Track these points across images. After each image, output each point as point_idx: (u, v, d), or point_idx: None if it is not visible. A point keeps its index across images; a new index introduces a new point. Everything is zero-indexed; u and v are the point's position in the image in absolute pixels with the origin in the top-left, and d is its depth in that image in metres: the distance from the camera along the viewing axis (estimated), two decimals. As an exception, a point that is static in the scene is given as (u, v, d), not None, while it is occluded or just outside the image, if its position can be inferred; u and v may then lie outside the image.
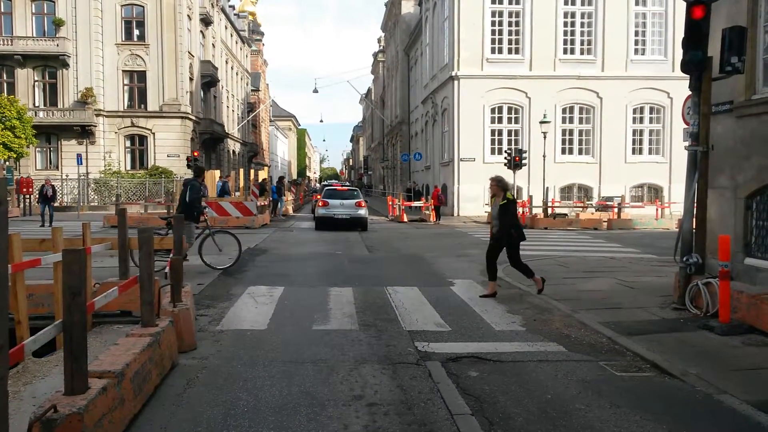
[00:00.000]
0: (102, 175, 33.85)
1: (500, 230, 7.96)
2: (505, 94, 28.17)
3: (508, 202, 7.94)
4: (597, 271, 10.61)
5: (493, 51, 28.12)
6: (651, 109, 28.96)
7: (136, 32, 35.57)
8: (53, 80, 34.54)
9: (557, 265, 11.43)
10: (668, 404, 4.24)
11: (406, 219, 24.93)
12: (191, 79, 38.14)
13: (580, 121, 28.80)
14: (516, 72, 27.94)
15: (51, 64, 34.10)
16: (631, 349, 5.54)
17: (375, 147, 70.39)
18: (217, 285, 8.87)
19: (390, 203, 27.59)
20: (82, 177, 30.97)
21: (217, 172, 30.64)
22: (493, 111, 28.48)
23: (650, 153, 29.13)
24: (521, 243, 8.07)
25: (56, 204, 30.93)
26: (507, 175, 24.50)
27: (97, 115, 34.28)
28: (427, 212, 25.34)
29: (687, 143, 7.40)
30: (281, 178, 30.62)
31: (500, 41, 28.15)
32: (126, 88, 35.70)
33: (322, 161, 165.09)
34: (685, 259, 7.21)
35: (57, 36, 33.64)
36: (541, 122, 24.07)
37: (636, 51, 28.38)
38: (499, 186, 8.06)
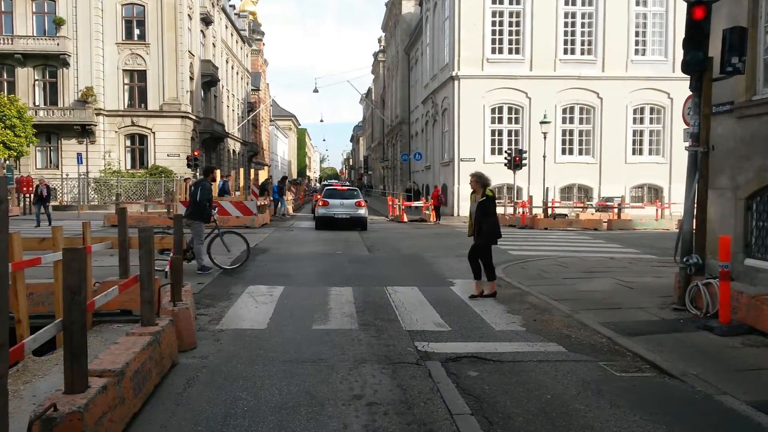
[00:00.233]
0: (102, 175, 33.84)
1: (478, 227, 7.86)
2: (506, 94, 28.17)
3: (488, 199, 7.85)
4: (597, 271, 10.61)
5: (493, 51, 28.13)
6: (651, 110, 28.96)
7: (136, 31, 35.56)
8: (53, 79, 34.53)
9: (557, 265, 11.42)
10: (668, 405, 4.24)
11: (406, 219, 24.93)
12: (191, 79, 38.14)
13: (581, 121, 28.80)
14: (516, 72, 27.94)
15: (51, 63, 34.10)
16: (631, 350, 5.54)
17: (375, 147, 70.39)
18: (217, 284, 8.87)
19: (390, 203, 27.59)
20: (82, 176, 30.98)
21: (218, 172, 30.67)
22: (493, 111, 28.48)
23: (650, 153, 29.12)
24: (499, 241, 8.01)
25: (56, 203, 31.02)
26: (507, 175, 24.70)
27: (98, 115, 34.27)
28: (427, 212, 25.34)
29: (687, 144, 7.40)
30: (284, 178, 30.62)
31: (501, 41, 28.15)
32: (126, 87, 35.70)
33: (322, 161, 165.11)
34: (685, 259, 7.21)
35: (57, 35, 33.62)
36: (542, 122, 24.07)
37: (636, 51, 28.38)
38: (479, 182, 7.97)
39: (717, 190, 7.49)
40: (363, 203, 20.53)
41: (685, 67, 7.04)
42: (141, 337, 4.35)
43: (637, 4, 28.24)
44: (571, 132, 28.83)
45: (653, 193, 28.94)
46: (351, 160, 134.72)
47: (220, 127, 46.01)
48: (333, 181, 57.57)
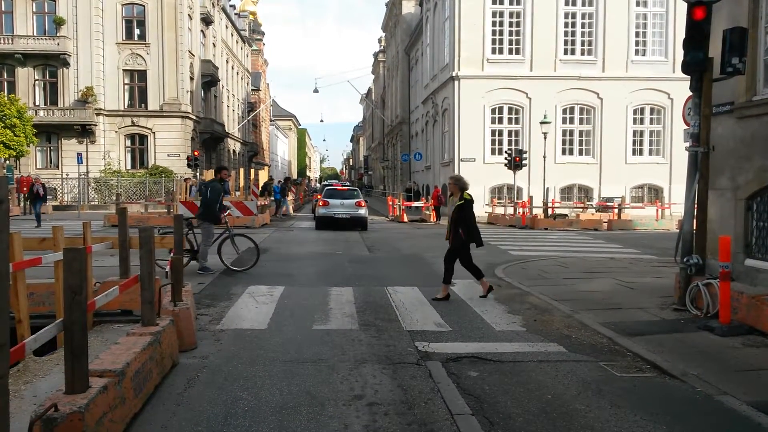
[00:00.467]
0: (102, 175, 33.85)
1: (455, 231, 7.81)
2: (506, 94, 28.17)
3: (465, 203, 7.80)
4: (597, 271, 10.61)
5: (493, 51, 28.13)
6: (651, 110, 28.96)
7: (136, 31, 35.57)
8: (54, 79, 34.53)
9: (557, 265, 11.43)
10: (668, 405, 4.24)
11: (406, 219, 24.94)
12: (192, 79, 38.14)
13: (581, 121, 28.80)
14: (516, 72, 27.94)
15: (51, 63, 34.10)
16: (632, 350, 5.54)
17: (375, 147, 70.39)
18: (218, 284, 8.87)
19: (390, 203, 27.60)
20: (83, 176, 30.97)
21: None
22: (493, 111, 28.48)
23: (651, 154, 29.12)
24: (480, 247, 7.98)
25: (56, 203, 31.04)
26: (507, 175, 24.71)
27: (98, 115, 34.28)
28: (428, 212, 25.34)
29: (687, 144, 7.40)
30: (286, 179, 30.61)
31: (501, 41, 28.15)
32: (126, 87, 35.70)
33: (322, 161, 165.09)
34: (685, 259, 7.21)
35: (57, 35, 33.62)
36: (542, 123, 24.07)
37: (637, 52, 28.38)
38: (456, 185, 7.93)
39: (717, 190, 7.49)
40: (363, 203, 20.53)
41: (686, 68, 7.04)
42: (142, 337, 4.35)
43: (637, 4, 28.23)
44: (571, 132, 28.83)
45: (653, 194, 28.94)
46: (351, 160, 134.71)
47: (220, 127, 46.02)
48: (333, 181, 57.55)
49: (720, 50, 6.62)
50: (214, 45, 45.64)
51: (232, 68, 53.50)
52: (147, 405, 4.03)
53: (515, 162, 23.26)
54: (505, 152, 25.07)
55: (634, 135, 29.00)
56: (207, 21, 42.68)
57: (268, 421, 3.81)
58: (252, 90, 65.17)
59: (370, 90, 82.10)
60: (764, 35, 6.97)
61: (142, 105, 35.74)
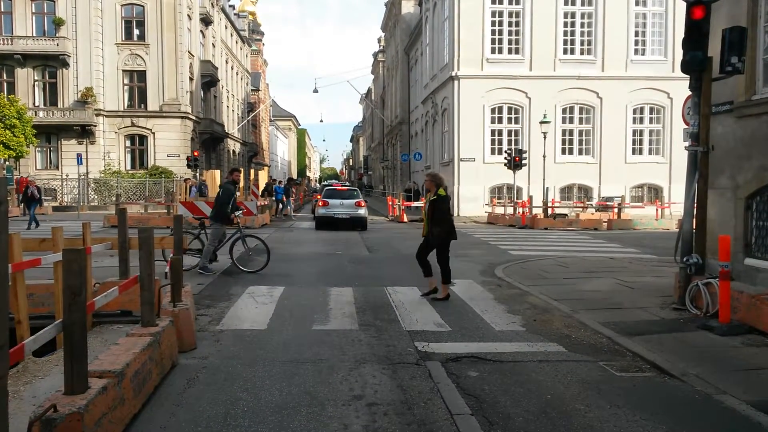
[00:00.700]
0: (102, 175, 33.85)
1: (429, 227, 7.76)
2: (505, 94, 28.17)
3: (438, 198, 7.79)
4: (597, 271, 10.61)
5: (493, 51, 28.13)
6: (651, 110, 28.96)
7: (136, 32, 35.57)
8: (53, 80, 34.53)
9: (557, 265, 11.42)
10: (668, 404, 4.24)
11: (406, 219, 24.93)
12: (191, 79, 38.14)
13: (580, 121, 28.80)
14: (516, 72, 27.95)
15: (51, 64, 34.10)
16: (631, 350, 5.54)
17: (375, 147, 70.39)
18: (217, 285, 8.87)
19: (390, 203, 27.60)
20: (82, 177, 30.98)
21: (218, 172, 30.70)
22: (493, 111, 28.48)
23: (650, 153, 29.13)
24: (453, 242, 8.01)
25: (56, 204, 31.04)
26: (507, 175, 24.70)
27: (97, 115, 34.28)
28: (427, 212, 25.27)
29: (687, 143, 7.40)
30: (290, 180, 30.62)
31: (500, 41, 28.15)
32: (126, 87, 35.70)
33: (322, 161, 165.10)
34: (685, 259, 7.21)
35: (57, 35, 33.63)
36: (541, 122, 24.07)
37: (636, 51, 28.39)
38: (433, 182, 7.94)
39: (717, 189, 7.49)
40: (363, 203, 20.53)
41: (685, 67, 7.04)
42: (141, 337, 4.35)
43: (637, 4, 28.24)
44: (571, 132, 28.83)
45: (653, 193, 28.95)
46: (351, 161, 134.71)
47: (220, 128, 46.03)
48: (333, 181, 57.55)
49: (719, 49, 6.62)
50: (213, 45, 45.64)
51: (232, 68, 53.51)
52: (146, 405, 4.03)
53: (515, 162, 23.25)
54: (505, 152, 25.07)
55: (634, 134, 29.00)
56: (206, 21, 42.69)
57: (268, 422, 3.81)
58: (252, 90, 65.17)
59: (369, 90, 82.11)
60: (763, 34, 6.97)
61: (142, 105, 35.74)
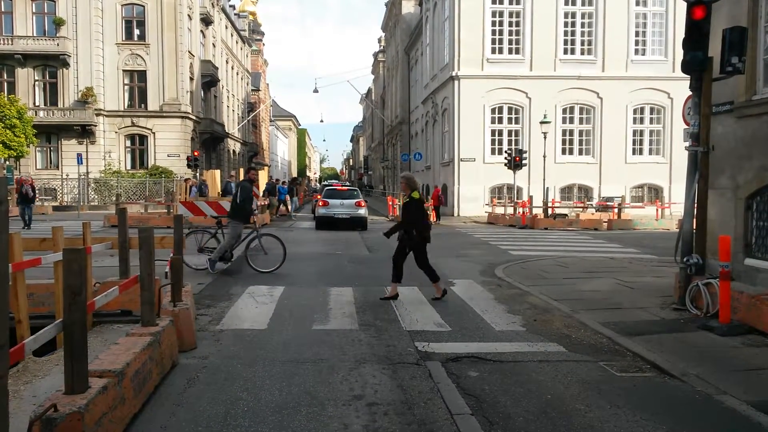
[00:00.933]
0: (102, 175, 33.86)
1: (408, 231, 7.72)
2: (506, 94, 28.18)
3: (411, 201, 7.72)
4: (597, 271, 10.61)
5: (493, 51, 28.14)
6: (651, 110, 28.98)
7: (136, 32, 35.57)
8: (53, 80, 34.53)
9: (557, 265, 11.42)
10: (668, 405, 4.24)
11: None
12: (191, 79, 38.14)
13: (581, 121, 28.82)
14: (516, 72, 27.96)
15: (51, 64, 34.10)
16: (632, 350, 5.54)
17: (375, 147, 70.39)
18: (218, 284, 8.87)
19: (390, 203, 27.59)
20: (82, 177, 30.98)
21: (218, 172, 30.72)
22: (493, 111, 28.49)
23: (650, 153, 29.15)
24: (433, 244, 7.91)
25: (56, 203, 31.03)
26: (507, 175, 24.71)
27: (98, 115, 34.28)
28: (427, 212, 25.30)
29: (687, 143, 7.40)
30: (294, 180, 30.59)
31: (500, 41, 28.17)
32: (126, 87, 35.70)
33: (322, 161, 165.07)
34: (685, 259, 7.21)
35: (57, 35, 33.63)
36: (542, 122, 24.08)
37: (636, 51, 28.41)
38: (407, 184, 7.89)
39: (717, 190, 7.49)
40: (363, 203, 20.53)
41: (685, 67, 7.04)
42: (141, 337, 4.35)
43: (637, 4, 28.26)
44: (571, 132, 28.84)
45: (653, 193, 28.95)
46: (351, 160, 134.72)
47: (220, 128, 46.02)
48: (333, 181, 57.53)
49: (720, 50, 6.62)
50: (213, 45, 45.64)
51: (232, 68, 53.51)
52: (147, 405, 4.03)
53: (515, 162, 23.26)
54: (505, 152, 25.07)
55: (634, 135, 29.01)
56: (207, 21, 42.69)
57: (268, 421, 3.81)
58: (252, 90, 65.16)
59: (370, 90, 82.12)
60: (764, 35, 6.97)
61: (142, 105, 35.74)
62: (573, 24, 28.22)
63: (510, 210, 23.96)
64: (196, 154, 30.59)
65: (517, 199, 24.88)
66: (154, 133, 35.59)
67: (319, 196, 23.74)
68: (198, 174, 30.87)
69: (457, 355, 5.35)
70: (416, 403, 4.18)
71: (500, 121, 28.59)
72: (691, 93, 7.33)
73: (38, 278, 6.64)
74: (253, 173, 10.97)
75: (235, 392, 4.33)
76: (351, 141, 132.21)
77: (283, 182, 31.57)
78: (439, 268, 10.88)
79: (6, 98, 28.53)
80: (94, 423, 3.11)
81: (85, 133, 33.96)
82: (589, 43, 28.31)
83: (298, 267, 10.93)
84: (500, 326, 6.48)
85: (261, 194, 24.54)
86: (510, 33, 28.10)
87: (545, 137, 24.27)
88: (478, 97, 27.85)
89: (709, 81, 7.12)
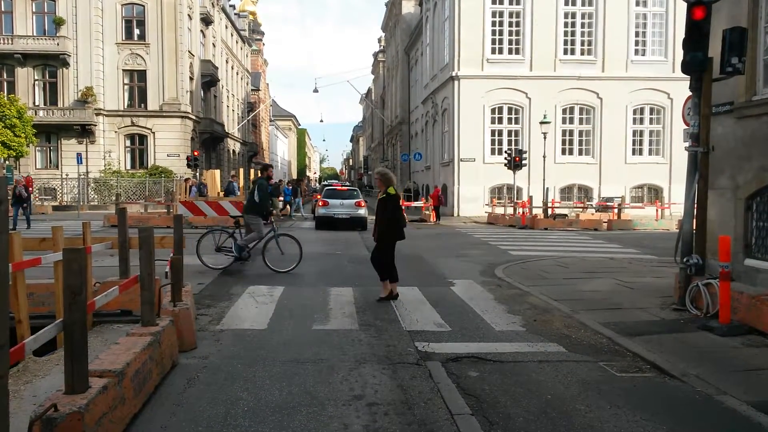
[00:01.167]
0: (102, 175, 33.86)
1: (377, 225, 7.65)
2: (506, 94, 28.19)
3: (387, 197, 7.66)
4: (597, 271, 10.61)
5: (493, 51, 28.15)
6: (651, 110, 28.98)
7: (136, 31, 35.57)
8: (53, 79, 34.54)
9: (557, 265, 11.43)
10: (668, 405, 4.25)
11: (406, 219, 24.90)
12: (191, 79, 38.14)
13: (581, 121, 28.82)
14: (516, 72, 27.96)
15: (51, 63, 34.10)
16: (632, 350, 5.54)
17: (375, 147, 70.41)
18: (218, 284, 8.87)
19: (390, 203, 27.53)
20: (82, 176, 30.97)
21: (218, 172, 30.71)
22: (493, 111, 28.50)
23: (650, 154, 29.16)
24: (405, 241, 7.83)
25: (56, 203, 31.01)
26: (507, 175, 24.72)
27: (97, 115, 34.28)
28: (427, 212, 25.35)
29: (687, 144, 7.40)
30: (298, 180, 30.52)
31: (500, 41, 28.17)
32: (126, 87, 35.70)
33: (322, 161, 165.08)
34: (685, 260, 7.21)
35: (57, 35, 33.64)
36: (542, 123, 24.08)
37: (636, 52, 28.41)
38: (382, 180, 7.83)
39: (717, 190, 7.49)
40: (363, 203, 20.53)
41: (685, 68, 7.04)
42: (141, 337, 4.35)
43: (637, 4, 28.27)
44: (571, 132, 28.85)
45: (653, 194, 28.96)
46: (351, 160, 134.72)
47: (220, 127, 46.03)
48: (333, 181, 57.52)
49: (720, 50, 6.62)
50: (213, 45, 45.64)
51: (232, 68, 53.51)
52: (147, 405, 4.03)
53: (515, 162, 23.27)
54: (505, 152, 25.08)
55: (634, 135, 29.02)
56: (207, 21, 42.69)
57: (268, 421, 3.81)
58: (252, 90, 65.17)
59: (370, 90, 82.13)
60: (764, 35, 6.97)
61: (142, 105, 35.74)
62: (573, 24, 28.23)
63: (510, 210, 23.97)
64: (195, 153, 30.60)
65: (517, 199, 24.89)
66: (153, 132, 35.59)
67: (318, 196, 23.74)
68: (198, 174, 30.87)
69: (457, 355, 5.36)
70: (416, 403, 4.18)
71: (500, 121, 28.60)
72: (691, 93, 7.33)
73: (38, 278, 6.64)
74: (271, 170, 11.08)
75: (235, 392, 4.33)
76: (351, 141, 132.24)
77: (288, 183, 31.55)
78: (439, 268, 10.93)
79: (6, 98, 28.52)
80: (94, 423, 3.11)
81: (84, 132, 33.96)
82: (589, 44, 28.31)
83: (298, 267, 10.92)
84: (500, 326, 6.48)
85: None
86: (510, 33, 28.11)
87: (545, 137, 24.27)
88: (478, 97, 27.85)
89: (709, 81, 7.12)
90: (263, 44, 74.56)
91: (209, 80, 42.89)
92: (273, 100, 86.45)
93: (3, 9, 33.86)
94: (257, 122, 68.16)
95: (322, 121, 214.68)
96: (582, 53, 28.35)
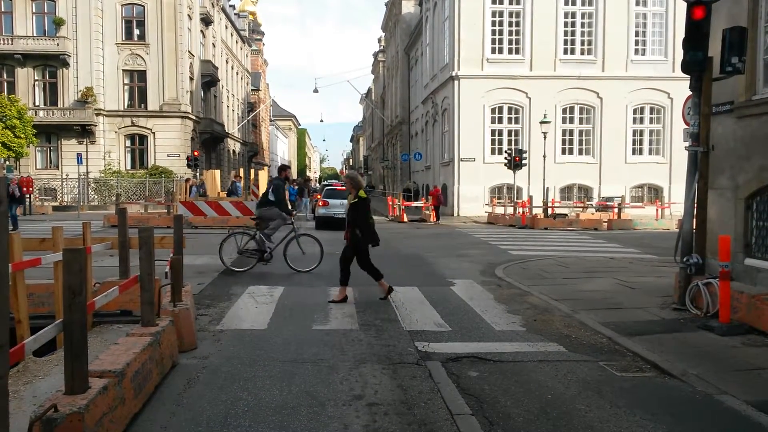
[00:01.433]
0: (102, 175, 33.86)
1: (351, 230, 7.62)
2: (506, 94, 28.18)
3: (359, 201, 7.66)
4: (597, 271, 10.61)
5: (493, 51, 28.14)
6: (651, 110, 28.97)
7: (136, 32, 35.58)
8: (53, 79, 34.54)
9: (557, 265, 11.42)
10: (668, 404, 4.24)
11: (406, 219, 24.93)
12: (191, 79, 38.14)
13: (581, 121, 28.81)
14: (516, 72, 27.95)
15: (51, 64, 34.11)
16: (632, 350, 5.54)
17: (375, 147, 70.39)
18: (218, 284, 8.87)
19: (390, 203, 27.60)
20: (82, 176, 30.98)
21: (218, 172, 30.72)
22: (493, 111, 28.49)
23: (650, 153, 29.14)
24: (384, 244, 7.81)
25: (56, 203, 31.01)
26: (507, 175, 24.72)
27: (97, 115, 34.29)
28: (427, 212, 25.35)
29: (687, 143, 7.40)
30: (305, 180, 30.40)
31: (500, 41, 28.16)
32: (126, 87, 35.71)
33: (322, 161, 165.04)
34: (685, 259, 7.21)
35: (57, 35, 33.64)
36: (542, 122, 24.08)
37: (636, 51, 28.40)
38: (352, 184, 7.83)
39: (717, 190, 7.49)
40: None
41: (685, 67, 7.04)
42: (141, 337, 4.35)
43: (637, 4, 28.25)
44: (571, 132, 28.84)
45: (653, 193, 28.95)
46: (351, 160, 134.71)
47: (220, 127, 46.02)
48: (333, 181, 57.53)
49: (719, 50, 6.62)
50: (213, 45, 45.64)
51: (232, 68, 53.51)
52: (147, 405, 4.03)
53: (515, 162, 23.26)
54: (505, 152, 25.08)
55: (634, 135, 29.01)
56: (207, 21, 42.69)
57: (268, 422, 3.81)
58: (252, 90, 65.17)
59: (370, 90, 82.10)
60: (764, 35, 6.97)
61: (142, 105, 35.75)
62: (573, 24, 28.22)
63: (510, 210, 23.96)
64: (196, 154, 30.61)
65: (517, 199, 24.88)
66: (153, 133, 35.59)
67: (319, 196, 23.72)
68: (198, 174, 30.87)
69: (457, 355, 5.35)
70: (416, 403, 4.18)
71: (500, 121, 28.59)
72: (691, 93, 7.32)
73: (38, 278, 6.64)
74: (289, 171, 11.13)
75: (235, 392, 4.33)
76: (351, 141, 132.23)
77: (293, 182, 31.48)
78: (439, 268, 10.92)
79: (6, 98, 28.52)
80: (94, 423, 3.11)
81: (85, 133, 33.96)
82: (589, 43, 28.30)
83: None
84: (500, 326, 6.48)
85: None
86: (510, 33, 28.10)
87: (545, 137, 24.27)
88: (478, 97, 27.85)
89: (709, 81, 7.12)
90: (263, 44, 74.55)
91: (209, 80, 42.89)
92: (273, 100, 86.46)
93: (3, 9, 33.87)
94: (257, 122, 68.16)
95: (322, 121, 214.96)
96: (582, 53, 28.34)
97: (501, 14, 28.04)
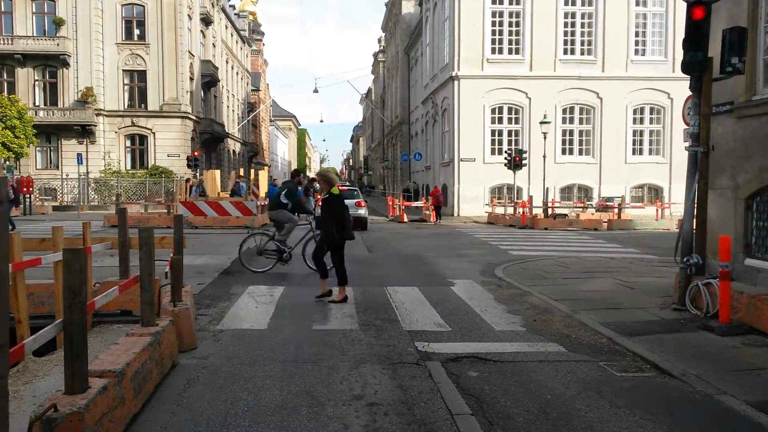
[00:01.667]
0: (102, 175, 33.86)
1: (322, 227, 7.62)
2: (506, 94, 28.18)
3: (330, 196, 7.62)
4: (597, 271, 10.61)
5: (493, 51, 28.14)
6: (651, 110, 28.97)
7: (136, 32, 35.57)
8: (53, 80, 34.54)
9: (557, 265, 11.42)
10: (668, 405, 4.24)
11: (406, 219, 24.94)
12: (191, 79, 38.13)
13: (581, 121, 28.81)
14: (516, 72, 27.96)
15: (51, 64, 34.10)
16: (632, 350, 5.54)
17: (375, 147, 70.40)
18: (218, 284, 8.87)
19: (390, 203, 27.60)
20: (82, 177, 30.98)
21: (218, 172, 30.71)
22: (493, 111, 28.49)
23: (650, 153, 29.15)
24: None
25: (56, 203, 31.01)
26: (507, 175, 24.72)
27: (98, 115, 34.28)
28: (428, 212, 25.36)
29: (687, 144, 7.40)
30: (312, 180, 30.26)
31: (500, 41, 28.17)
32: (126, 87, 35.70)
33: (322, 161, 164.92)
34: (685, 259, 7.21)
35: (57, 35, 33.63)
36: (542, 122, 24.08)
37: (636, 51, 28.40)
38: (325, 181, 7.82)
39: (717, 190, 7.49)
40: (363, 203, 20.52)
41: (685, 68, 7.04)
42: (141, 337, 4.35)
43: (637, 4, 28.26)
44: (571, 132, 28.84)
45: (653, 193, 28.95)
46: (351, 160, 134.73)
47: (220, 128, 46.02)
48: (333, 181, 57.34)
49: (719, 50, 6.62)
50: (213, 45, 45.64)
51: (232, 68, 53.51)
52: (147, 405, 4.03)
53: (515, 162, 23.26)
54: (505, 152, 25.08)
55: (634, 135, 29.02)
56: (207, 21, 42.69)
57: (268, 421, 3.81)
58: (252, 90, 65.16)
59: (370, 90, 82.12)
60: (763, 35, 6.97)
61: (142, 105, 35.74)
62: (573, 24, 28.22)
63: (510, 210, 23.96)
64: (196, 154, 30.60)
65: (517, 199, 24.88)
66: (154, 133, 35.59)
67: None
68: (198, 174, 30.86)
69: (457, 355, 5.35)
70: (416, 403, 4.18)
71: (500, 121, 28.60)
72: (691, 93, 7.32)
73: (38, 278, 6.64)
74: (301, 177, 11.30)
75: (235, 392, 4.33)
76: (351, 141, 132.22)
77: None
78: (439, 268, 10.92)
79: (6, 98, 28.52)
80: (94, 423, 3.11)
81: (85, 133, 33.96)
82: (589, 43, 28.31)
83: (298, 266, 10.92)
84: (500, 326, 6.48)
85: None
86: (510, 33, 28.10)
87: (545, 137, 24.26)
88: (478, 97, 27.85)
89: (709, 81, 7.12)
90: (263, 44, 74.54)
91: (209, 80, 42.89)
92: (273, 100, 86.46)
93: (3, 9, 33.86)
94: (257, 122, 68.15)
95: (322, 121, 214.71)
96: (582, 53, 28.34)
97: (501, 14, 28.04)
